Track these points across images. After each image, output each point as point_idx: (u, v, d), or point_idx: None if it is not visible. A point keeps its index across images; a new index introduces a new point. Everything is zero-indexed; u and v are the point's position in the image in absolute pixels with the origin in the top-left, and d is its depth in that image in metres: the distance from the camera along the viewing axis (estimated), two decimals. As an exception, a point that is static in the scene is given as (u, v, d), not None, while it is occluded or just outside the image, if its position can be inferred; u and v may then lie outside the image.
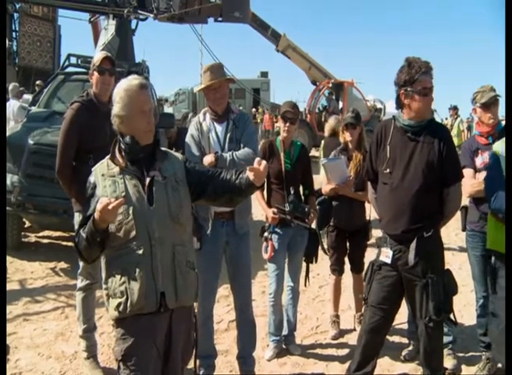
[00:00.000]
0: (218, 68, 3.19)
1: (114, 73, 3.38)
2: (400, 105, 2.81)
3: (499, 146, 2.92)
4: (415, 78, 2.66)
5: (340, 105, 18.12)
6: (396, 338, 3.94)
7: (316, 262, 3.80)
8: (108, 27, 8.99)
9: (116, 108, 2.13)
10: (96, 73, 3.32)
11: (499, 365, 3.33)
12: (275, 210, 3.54)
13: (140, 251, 2.06)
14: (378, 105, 18.90)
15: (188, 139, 3.20)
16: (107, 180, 2.12)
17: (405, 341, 3.82)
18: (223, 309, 4.40)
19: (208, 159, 3.05)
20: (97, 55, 3.42)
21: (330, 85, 18.34)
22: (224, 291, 4.45)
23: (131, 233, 2.07)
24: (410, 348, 3.68)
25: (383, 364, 3.53)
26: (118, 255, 2.09)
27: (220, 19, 11.25)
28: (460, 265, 5.49)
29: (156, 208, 2.10)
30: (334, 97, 18.40)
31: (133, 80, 2.15)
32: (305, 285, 3.85)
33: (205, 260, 3.09)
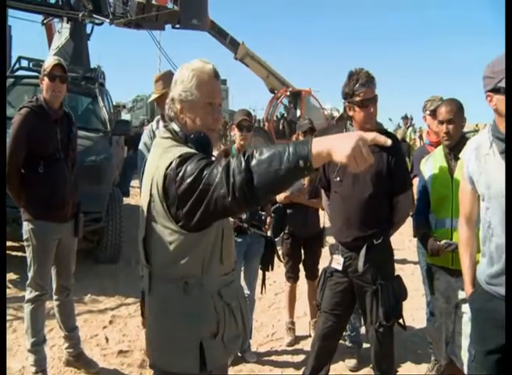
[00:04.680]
0: (170, 76, 3.16)
1: (66, 80, 3.30)
2: (348, 116, 2.90)
3: (425, 165, 3.02)
4: (354, 90, 2.73)
5: (298, 113, 18.39)
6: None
7: (272, 269, 3.82)
8: (62, 31, 8.75)
9: (178, 90, 1.66)
10: (46, 79, 3.21)
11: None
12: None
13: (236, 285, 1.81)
14: (335, 114, 19.28)
15: (141, 147, 3.18)
16: None
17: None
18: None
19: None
20: (49, 60, 3.31)
21: (288, 93, 18.59)
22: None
23: (232, 263, 1.78)
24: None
25: (337, 369, 3.58)
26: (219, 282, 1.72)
27: (178, 25, 11.22)
28: (412, 270, 5.65)
29: None
30: (292, 105, 18.65)
31: (206, 64, 1.69)
32: (261, 293, 3.85)
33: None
